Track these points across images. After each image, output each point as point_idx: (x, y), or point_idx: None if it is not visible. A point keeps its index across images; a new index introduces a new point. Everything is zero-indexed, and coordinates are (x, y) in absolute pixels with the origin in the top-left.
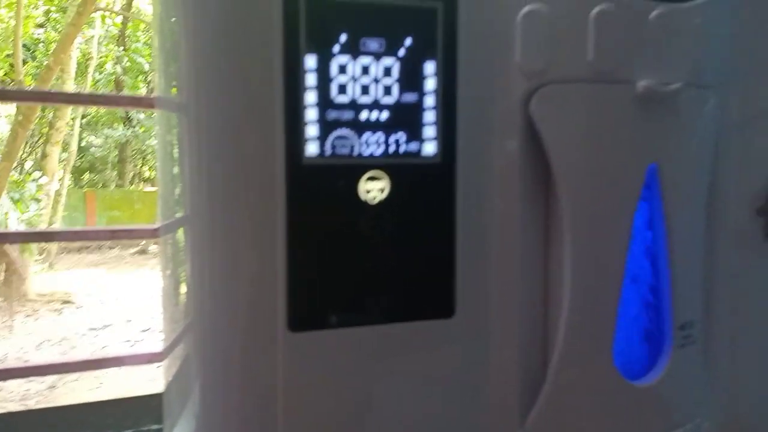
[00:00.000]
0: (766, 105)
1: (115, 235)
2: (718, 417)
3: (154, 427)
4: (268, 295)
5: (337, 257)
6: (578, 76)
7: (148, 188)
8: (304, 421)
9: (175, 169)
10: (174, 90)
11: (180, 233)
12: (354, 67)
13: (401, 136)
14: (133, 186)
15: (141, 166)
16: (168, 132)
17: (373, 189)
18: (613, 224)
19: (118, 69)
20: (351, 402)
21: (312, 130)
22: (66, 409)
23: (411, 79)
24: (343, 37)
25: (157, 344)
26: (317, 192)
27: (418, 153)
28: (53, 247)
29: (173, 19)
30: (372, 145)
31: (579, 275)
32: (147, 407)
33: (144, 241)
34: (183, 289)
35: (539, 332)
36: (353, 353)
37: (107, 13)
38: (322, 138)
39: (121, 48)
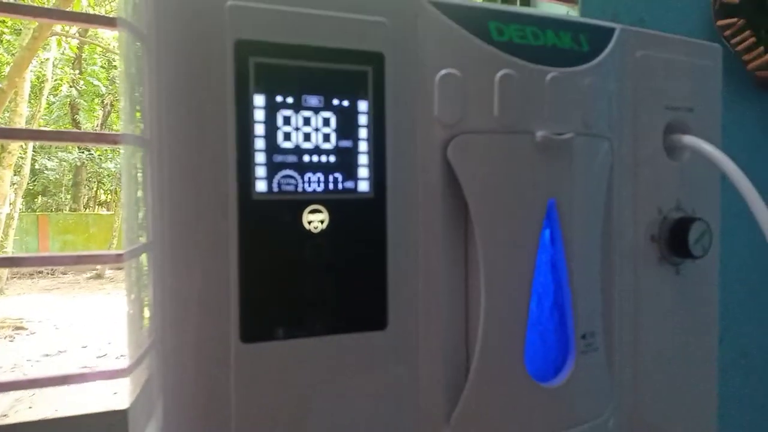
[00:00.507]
0: (651, 150)
1: (80, 260)
2: (624, 415)
3: None
4: (223, 312)
5: (283, 278)
6: (486, 128)
7: (104, 212)
8: (253, 424)
9: (139, 192)
10: (138, 114)
11: (144, 258)
12: (297, 118)
13: (339, 175)
14: (88, 210)
15: (96, 190)
16: (132, 155)
17: (315, 220)
18: (520, 248)
19: (74, 92)
20: (296, 405)
21: (261, 171)
22: (25, 426)
23: (346, 129)
24: (288, 94)
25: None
26: (266, 223)
27: (353, 190)
28: (4, 271)
29: (138, 44)
30: (313, 183)
31: (492, 292)
32: (107, 423)
33: (99, 266)
34: (147, 313)
35: (461, 341)
36: (298, 362)
37: (63, 37)
38: (269, 177)
39: (77, 71)
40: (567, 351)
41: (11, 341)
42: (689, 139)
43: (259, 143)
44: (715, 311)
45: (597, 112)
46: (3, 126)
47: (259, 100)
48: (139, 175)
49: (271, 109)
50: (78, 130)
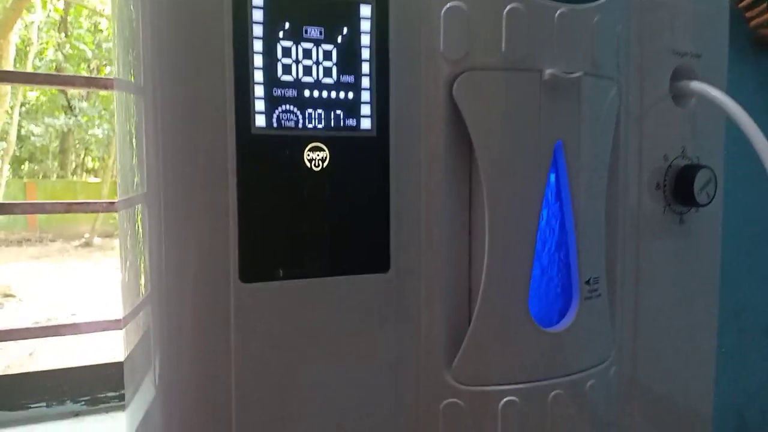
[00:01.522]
0: (658, 96)
1: (71, 208)
2: (625, 364)
3: (111, 394)
4: (222, 252)
5: (283, 217)
6: (493, 65)
7: (92, 179)
8: (253, 369)
9: (134, 160)
10: (132, 77)
11: (139, 224)
12: (297, 50)
13: (340, 112)
14: (76, 177)
15: (84, 157)
16: (127, 121)
17: (316, 158)
18: (526, 190)
19: (60, 56)
20: (296, 348)
21: (260, 105)
22: (20, 377)
23: (348, 63)
24: (287, 25)
25: (102, 336)
26: (265, 159)
27: (355, 127)
28: None
29: (132, 6)
30: (314, 119)
31: (496, 234)
32: (102, 376)
33: (88, 234)
34: (143, 280)
35: (464, 285)
36: (298, 303)
37: None
38: (269, 112)
39: (63, 34)
40: (570, 296)
41: (1, 308)
42: (697, 85)
43: (258, 75)
44: (717, 262)
45: (605, 53)
46: None
47: (257, 29)
48: (134, 141)
49: (270, 39)
50: (69, 74)
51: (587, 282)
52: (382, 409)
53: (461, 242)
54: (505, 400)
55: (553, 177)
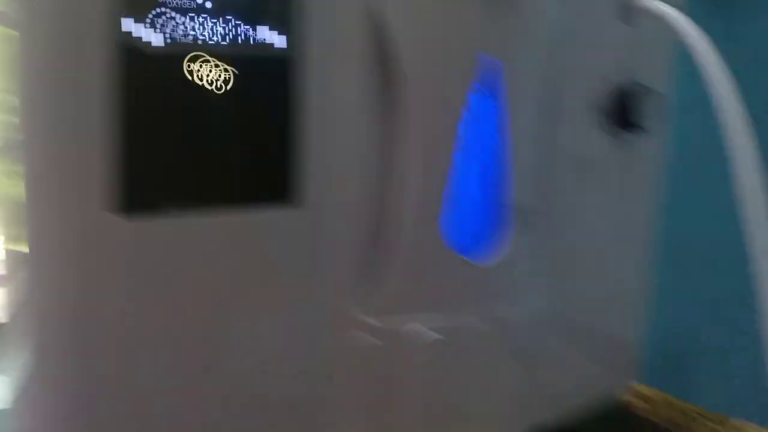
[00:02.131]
0: (601, 10)
1: None
2: (556, 303)
3: None
4: (99, 186)
5: (176, 144)
6: None
7: None
8: (145, 319)
9: None
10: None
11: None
12: None
13: (246, 24)
14: None
15: None
16: None
17: (203, 73)
18: (451, 110)
19: None
20: (192, 292)
21: (140, 10)
22: None
23: None
24: None
25: None
26: (149, 77)
27: (263, 42)
28: None
29: None
30: (207, 29)
31: (416, 159)
32: None
33: None
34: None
35: (380, 218)
36: (190, 240)
37: None
38: (152, 21)
39: None
40: (499, 227)
41: None
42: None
43: None
44: (659, 192)
45: None
46: None
47: None
48: None
49: None
50: None
51: (516, 210)
52: (293, 352)
53: (377, 170)
54: (424, 336)
55: (485, 97)
